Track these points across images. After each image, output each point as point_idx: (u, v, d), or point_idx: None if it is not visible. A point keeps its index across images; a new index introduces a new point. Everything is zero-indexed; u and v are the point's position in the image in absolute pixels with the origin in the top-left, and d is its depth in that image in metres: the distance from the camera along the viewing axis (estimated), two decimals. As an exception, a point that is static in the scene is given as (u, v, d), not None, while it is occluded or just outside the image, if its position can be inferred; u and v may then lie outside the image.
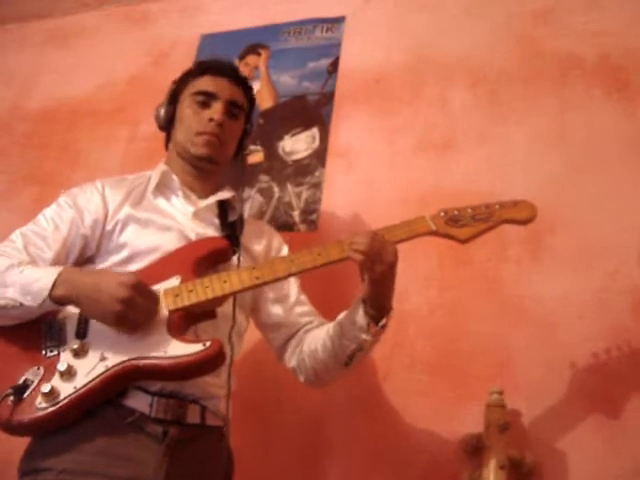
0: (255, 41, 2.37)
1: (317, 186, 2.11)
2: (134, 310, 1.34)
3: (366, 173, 2.08)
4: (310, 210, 2.08)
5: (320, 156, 2.14)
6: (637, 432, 1.59)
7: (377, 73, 2.19)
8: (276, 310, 1.64)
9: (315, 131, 2.19)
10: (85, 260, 1.54)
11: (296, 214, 2.09)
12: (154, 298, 1.38)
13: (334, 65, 2.25)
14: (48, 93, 2.61)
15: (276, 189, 2.15)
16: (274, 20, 2.38)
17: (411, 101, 2.12)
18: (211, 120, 1.61)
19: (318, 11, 2.34)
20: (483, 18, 2.13)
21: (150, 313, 1.37)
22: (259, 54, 2.36)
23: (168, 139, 1.72)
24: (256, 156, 2.21)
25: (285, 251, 1.72)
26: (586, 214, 1.81)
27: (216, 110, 1.62)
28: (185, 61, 2.32)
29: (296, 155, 2.18)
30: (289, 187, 2.14)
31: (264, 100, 2.28)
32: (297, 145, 2.19)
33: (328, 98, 2.21)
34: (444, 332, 1.81)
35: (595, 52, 1.97)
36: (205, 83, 1.66)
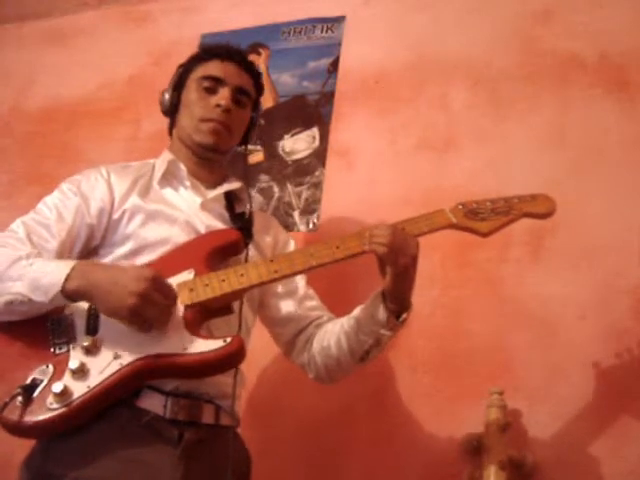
0: (255, 41, 2.36)
1: (317, 186, 2.11)
2: (151, 306, 1.27)
3: (366, 173, 2.08)
4: (310, 210, 2.08)
5: (320, 156, 2.14)
6: (637, 432, 1.59)
7: (377, 72, 2.19)
8: (285, 304, 1.60)
9: (315, 131, 2.18)
10: (89, 251, 1.48)
11: (296, 214, 2.09)
12: (172, 294, 1.32)
13: (334, 65, 2.25)
14: (47, 93, 2.60)
15: (276, 189, 2.15)
16: (274, 20, 2.38)
17: (411, 100, 2.11)
18: (218, 106, 1.55)
19: (318, 11, 2.33)
20: (484, 17, 2.13)
21: (167, 309, 1.30)
22: (259, 54, 2.35)
23: (172, 125, 1.66)
24: (256, 156, 2.20)
25: (292, 246, 1.68)
26: (587, 214, 1.81)
27: (223, 96, 1.56)
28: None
29: (296, 155, 2.18)
30: (289, 187, 2.14)
31: (264, 100, 2.27)
32: (297, 145, 2.19)
33: (328, 98, 2.21)
34: (445, 332, 1.81)
35: (596, 51, 1.96)
36: (212, 68, 1.60)
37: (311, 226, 2.06)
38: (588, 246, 1.78)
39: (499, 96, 2.02)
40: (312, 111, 2.21)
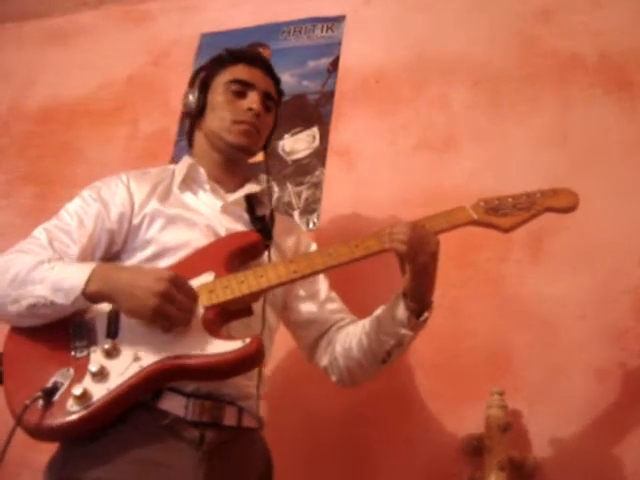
0: (255, 40, 2.36)
1: (317, 186, 2.10)
2: (172, 305, 1.28)
3: (366, 172, 2.08)
4: (310, 210, 2.08)
5: (320, 155, 2.14)
6: (638, 433, 1.59)
7: (377, 72, 2.19)
8: (307, 307, 1.60)
9: (315, 130, 2.18)
10: (111, 256, 1.48)
11: (296, 214, 2.09)
12: (193, 295, 1.33)
13: (334, 64, 2.24)
14: (47, 92, 2.59)
15: (276, 189, 2.15)
16: (274, 19, 2.38)
17: (411, 100, 2.11)
18: (249, 110, 1.57)
19: (318, 10, 2.33)
20: (484, 17, 2.13)
21: (189, 308, 1.31)
22: (259, 53, 2.35)
23: (192, 128, 1.66)
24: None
25: (314, 249, 1.67)
26: (587, 214, 1.78)
27: (254, 100, 1.58)
28: (185, 60, 2.32)
29: (296, 154, 2.17)
30: (289, 187, 2.14)
31: (264, 99, 2.27)
32: (297, 144, 2.18)
33: (328, 97, 2.21)
34: (445, 332, 1.80)
35: (596, 51, 1.97)
36: (241, 72, 1.61)
37: (311, 226, 2.06)
38: (588, 246, 1.78)
39: (499, 96, 2.02)
40: (312, 111, 2.21)
